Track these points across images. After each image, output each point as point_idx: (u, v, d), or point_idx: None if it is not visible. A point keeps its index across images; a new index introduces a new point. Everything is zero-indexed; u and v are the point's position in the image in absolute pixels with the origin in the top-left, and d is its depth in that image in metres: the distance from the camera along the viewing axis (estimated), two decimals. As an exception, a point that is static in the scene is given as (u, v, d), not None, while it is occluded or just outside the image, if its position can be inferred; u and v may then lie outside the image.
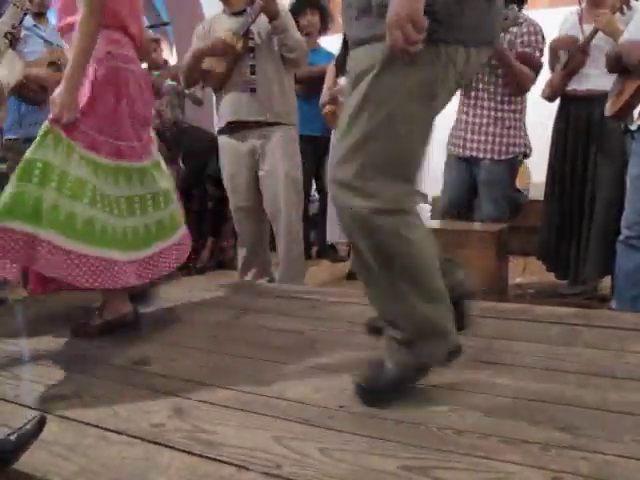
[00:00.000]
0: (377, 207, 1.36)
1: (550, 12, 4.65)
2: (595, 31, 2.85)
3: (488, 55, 1.48)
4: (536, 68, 2.86)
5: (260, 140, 2.90)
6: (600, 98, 2.78)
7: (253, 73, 2.83)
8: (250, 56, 2.83)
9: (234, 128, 2.92)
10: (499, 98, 2.90)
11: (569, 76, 3.02)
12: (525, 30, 2.82)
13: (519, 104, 2.98)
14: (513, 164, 3.04)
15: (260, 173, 2.95)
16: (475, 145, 2.95)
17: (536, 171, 3.89)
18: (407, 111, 1.35)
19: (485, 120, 2.93)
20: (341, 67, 3.83)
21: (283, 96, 2.89)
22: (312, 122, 3.88)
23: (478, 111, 2.93)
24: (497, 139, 2.92)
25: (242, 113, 2.87)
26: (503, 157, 2.94)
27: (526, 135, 3.03)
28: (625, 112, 2.51)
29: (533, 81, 2.89)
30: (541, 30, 2.88)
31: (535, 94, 3.92)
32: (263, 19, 2.78)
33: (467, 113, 2.97)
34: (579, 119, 3.02)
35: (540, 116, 3.95)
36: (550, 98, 3.17)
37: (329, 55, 4.07)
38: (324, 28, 4.10)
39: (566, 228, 3.08)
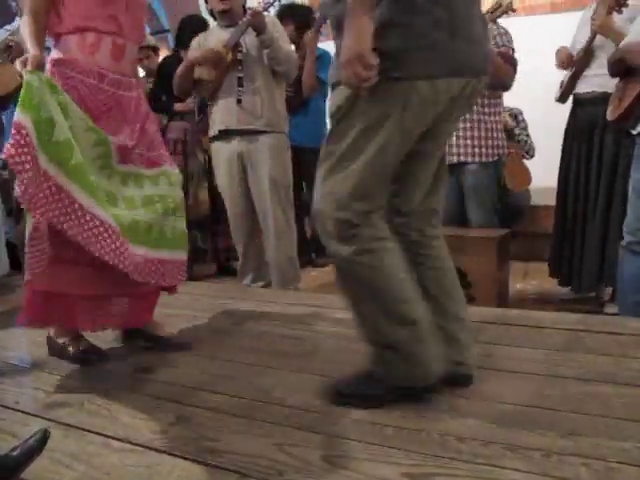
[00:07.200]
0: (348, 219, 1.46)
1: (551, 18, 4.67)
2: (594, 33, 2.85)
3: (473, 84, 1.48)
4: (514, 65, 2.91)
5: (249, 147, 2.99)
6: (603, 100, 2.77)
7: (240, 85, 2.93)
8: (239, 68, 2.93)
9: (225, 135, 3.02)
10: (479, 101, 2.94)
11: (575, 78, 3.02)
12: (496, 32, 2.88)
13: (497, 107, 3.03)
14: (498, 167, 3.08)
15: (249, 179, 3.03)
16: (462, 150, 2.96)
17: (537, 175, 3.89)
18: (363, 146, 1.43)
19: (469, 124, 2.95)
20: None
21: (272, 106, 2.97)
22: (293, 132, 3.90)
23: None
24: (482, 142, 2.95)
25: (231, 122, 2.98)
26: (490, 159, 2.97)
27: (504, 138, 3.08)
28: (627, 117, 2.50)
29: (513, 77, 2.91)
30: (508, 31, 2.95)
31: (532, 97, 3.96)
32: (253, 32, 2.86)
33: None
34: (583, 123, 3.01)
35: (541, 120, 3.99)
36: (559, 99, 3.17)
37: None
38: (300, 39, 4.06)
39: (573, 234, 3.05)
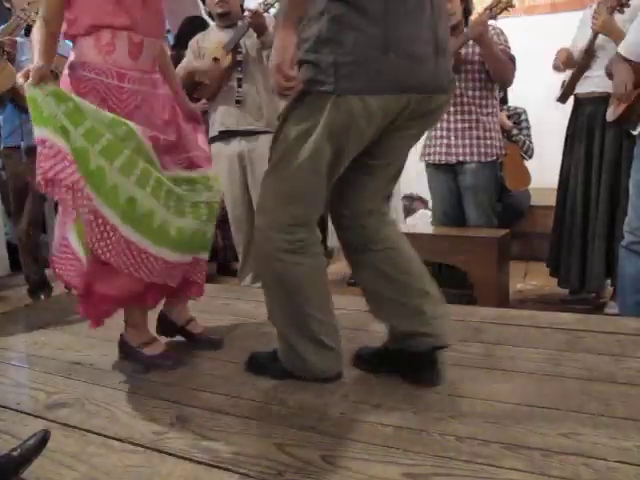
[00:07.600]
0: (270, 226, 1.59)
1: (551, 17, 4.67)
2: (595, 33, 2.85)
3: (418, 100, 1.50)
4: (513, 61, 2.91)
5: (249, 147, 3.01)
6: (603, 100, 2.78)
7: (240, 86, 2.96)
8: (238, 69, 2.96)
9: (225, 136, 3.04)
10: (477, 102, 2.95)
11: (576, 78, 3.03)
12: (493, 32, 2.88)
13: (494, 107, 3.04)
14: (496, 166, 3.09)
15: (249, 180, 3.05)
16: (460, 150, 2.97)
17: (537, 176, 3.89)
18: (294, 153, 1.52)
19: (467, 124, 2.95)
20: None
21: (272, 106, 2.99)
22: None
23: (459, 116, 2.96)
24: (482, 142, 2.96)
25: (231, 123, 3.00)
26: (489, 159, 2.97)
27: (502, 138, 3.10)
28: (627, 117, 2.51)
29: (513, 73, 2.92)
30: (503, 31, 2.98)
31: (532, 97, 3.96)
32: (253, 33, 2.88)
33: (448, 120, 2.99)
34: (583, 123, 3.01)
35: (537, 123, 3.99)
36: (560, 99, 3.18)
37: None
38: None
39: (572, 235, 3.06)
